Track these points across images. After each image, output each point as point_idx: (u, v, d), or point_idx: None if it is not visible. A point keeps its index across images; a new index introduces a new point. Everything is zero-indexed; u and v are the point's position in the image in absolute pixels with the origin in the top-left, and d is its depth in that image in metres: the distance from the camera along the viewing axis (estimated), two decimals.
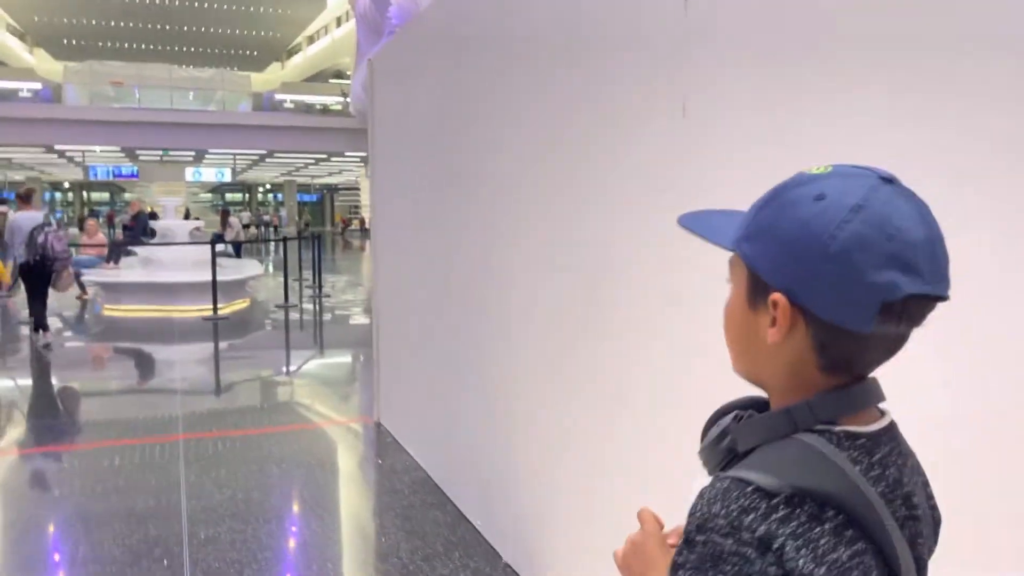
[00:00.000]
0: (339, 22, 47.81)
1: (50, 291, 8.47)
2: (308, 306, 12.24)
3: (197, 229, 13.52)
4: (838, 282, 0.70)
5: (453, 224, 3.81)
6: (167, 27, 44.92)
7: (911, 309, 0.71)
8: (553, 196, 2.82)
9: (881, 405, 0.80)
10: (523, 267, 3.09)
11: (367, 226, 45.78)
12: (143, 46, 47.27)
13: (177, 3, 41.74)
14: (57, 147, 36.24)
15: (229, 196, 62.43)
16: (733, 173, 1.83)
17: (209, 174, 48.27)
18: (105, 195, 57.75)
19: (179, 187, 50.18)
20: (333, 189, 60.86)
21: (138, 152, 40.34)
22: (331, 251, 24.89)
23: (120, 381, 7.40)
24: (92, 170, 45.44)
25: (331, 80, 47.89)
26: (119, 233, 18.59)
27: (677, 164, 2.08)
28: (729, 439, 0.81)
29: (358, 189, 52.82)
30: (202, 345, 9.16)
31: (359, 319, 11.65)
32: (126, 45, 47.07)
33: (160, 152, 40.58)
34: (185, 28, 45.38)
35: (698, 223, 0.83)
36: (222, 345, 9.23)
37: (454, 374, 3.91)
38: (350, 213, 54.08)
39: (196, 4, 42.08)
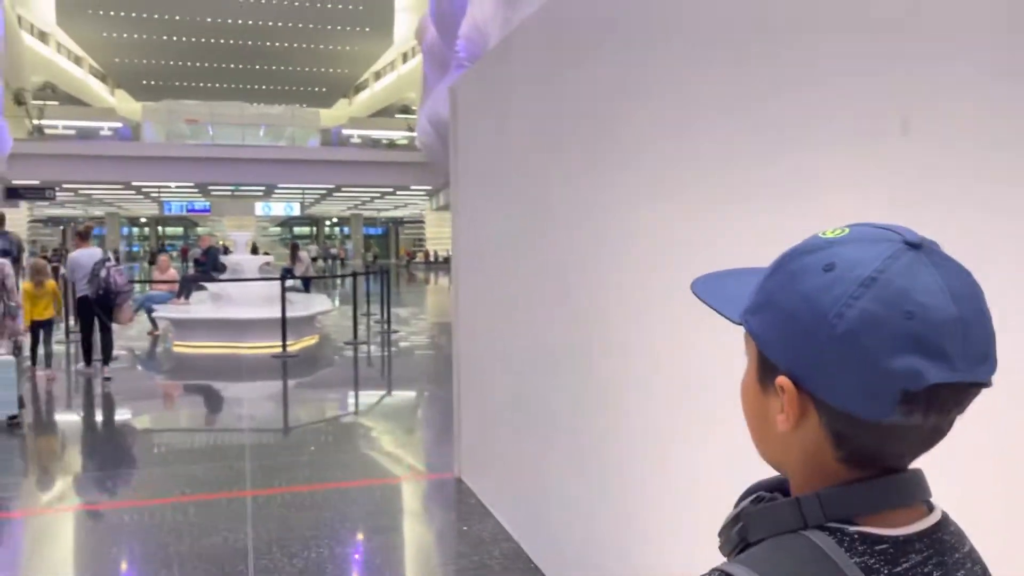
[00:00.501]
0: (405, 58, 48.63)
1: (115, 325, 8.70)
2: (377, 342, 11.93)
3: (267, 264, 13.41)
4: (847, 367, 0.61)
5: (549, 262, 3.36)
6: (240, 66, 46.27)
7: (943, 397, 0.61)
8: (673, 231, 2.36)
9: (932, 501, 0.69)
10: (637, 311, 2.62)
11: (431, 259, 46.54)
12: (217, 85, 48.78)
13: (249, 43, 42.95)
14: (134, 183, 37.39)
15: (297, 230, 63.71)
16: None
17: (278, 208, 49.24)
18: (179, 229, 59.51)
19: (249, 221, 51.36)
20: (398, 222, 61.58)
21: (210, 187, 41.40)
22: (396, 284, 24.74)
23: (186, 424, 7.13)
24: (167, 205, 46.81)
25: (397, 115, 48.58)
26: (192, 268, 18.73)
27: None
28: (740, 525, 0.71)
29: (423, 222, 53.29)
30: (271, 384, 8.88)
31: (429, 357, 11.28)
32: (201, 84, 48.65)
33: (231, 187, 41.58)
34: (256, 66, 46.66)
35: (710, 290, 0.75)
36: (291, 384, 8.94)
37: (551, 431, 3.43)
38: (414, 246, 54.53)
39: (267, 44, 43.24)
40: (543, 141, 3.45)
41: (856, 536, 0.64)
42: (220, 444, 6.00)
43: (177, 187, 41.35)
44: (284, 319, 10.24)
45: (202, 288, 13.32)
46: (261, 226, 58.49)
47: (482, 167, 4.40)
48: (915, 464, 0.68)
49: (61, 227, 55.61)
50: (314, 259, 24.52)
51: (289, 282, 11.98)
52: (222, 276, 13.13)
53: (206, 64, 45.86)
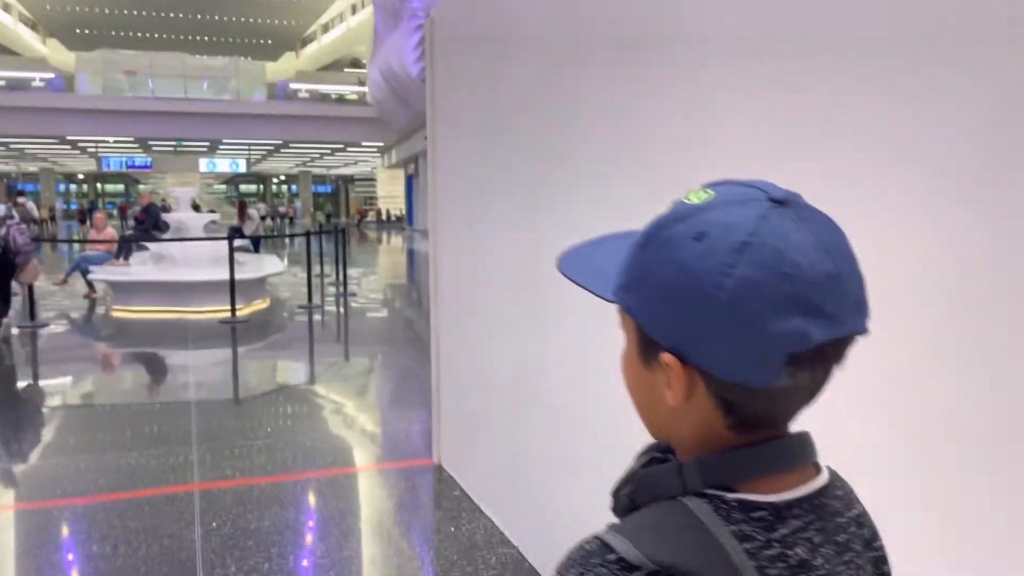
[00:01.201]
0: (354, 9, 46.99)
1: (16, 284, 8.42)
2: (332, 307, 11.23)
3: (213, 223, 12.51)
4: (732, 337, 0.59)
5: (564, 222, 2.76)
6: (180, 15, 44.22)
7: (827, 353, 0.61)
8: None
9: (820, 463, 0.69)
10: None
11: (383, 218, 45.51)
12: (156, 35, 46.54)
13: None
14: (70, 137, 35.53)
15: (243, 187, 61.86)
16: None
17: (223, 165, 47.56)
18: (120, 186, 57.15)
19: (193, 178, 49.56)
20: (348, 180, 60.21)
21: (151, 143, 39.63)
22: (348, 244, 23.88)
23: (122, 399, 6.40)
24: (105, 161, 44.76)
25: (347, 69, 47.00)
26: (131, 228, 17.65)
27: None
28: (630, 487, 0.69)
29: (374, 180, 52.05)
30: (219, 353, 8.16)
31: (388, 321, 10.64)
32: (139, 34, 46.35)
33: (174, 143, 39.82)
34: (199, 16, 44.64)
35: (578, 266, 0.71)
36: (241, 352, 8.23)
37: (557, 416, 2.87)
38: (366, 204, 53.33)
39: None
40: (557, 75, 2.83)
41: (734, 503, 0.62)
42: (162, 426, 5.30)
43: (116, 142, 39.47)
44: (232, 281, 9.47)
45: (143, 248, 12.40)
46: (206, 183, 56.59)
47: (471, 111, 3.74)
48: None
49: None
50: (263, 218, 23.44)
51: (237, 242, 11.14)
52: (164, 235, 12.23)
53: (144, 12, 43.58)
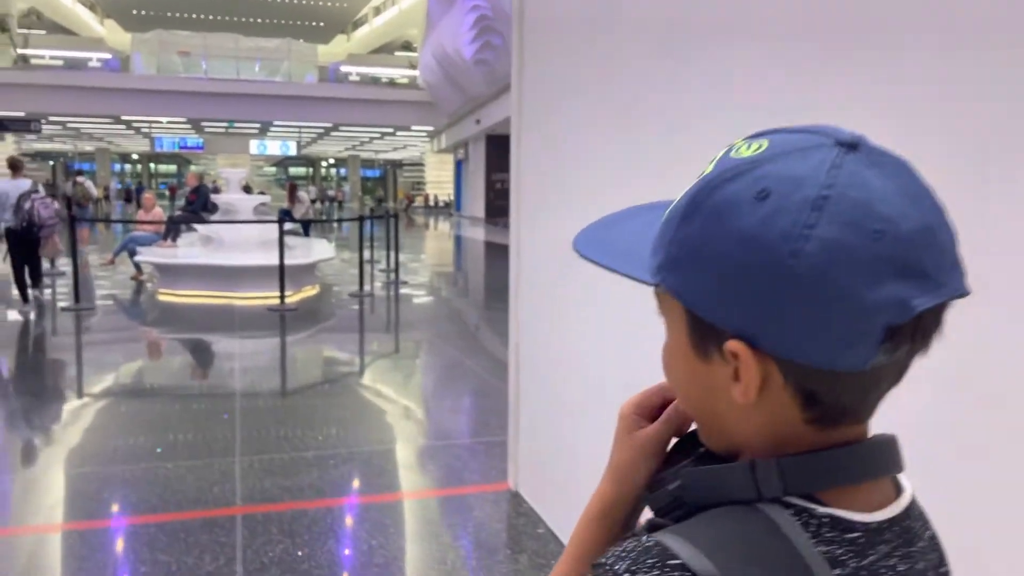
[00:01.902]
0: None
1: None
2: (383, 295, 10.73)
3: (263, 204, 12.08)
4: (819, 315, 0.49)
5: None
6: None
7: (927, 322, 0.51)
8: None
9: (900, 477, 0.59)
10: None
11: (431, 203, 45.17)
12: (211, 16, 46.65)
13: None
14: (124, 117, 35.74)
15: (292, 170, 62.12)
16: None
17: (274, 147, 47.61)
18: (172, 167, 57.79)
19: (244, 160, 49.81)
20: (397, 165, 60.04)
21: (203, 124, 39.75)
22: (397, 230, 23.49)
23: (161, 397, 5.94)
24: (158, 141, 45.15)
25: (397, 53, 46.64)
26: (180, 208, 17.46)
27: None
28: (677, 484, 0.58)
29: (423, 165, 51.72)
30: (266, 344, 7.69)
31: (445, 315, 10.06)
32: (194, 16, 46.52)
33: (225, 124, 39.88)
34: None
35: (603, 246, 0.61)
36: (290, 343, 7.76)
37: None
38: (413, 189, 53.07)
39: None
40: (668, 51, 2.19)
41: (826, 520, 0.53)
42: (203, 431, 4.79)
43: (169, 122, 39.69)
44: (282, 267, 9.01)
45: (193, 230, 12.05)
46: (256, 165, 56.93)
47: (576, 65, 3.10)
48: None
49: (51, 162, 53.98)
50: (312, 201, 23.13)
51: (287, 226, 10.69)
52: (213, 217, 11.86)
53: None
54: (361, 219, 10.83)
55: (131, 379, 6.38)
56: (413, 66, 39.61)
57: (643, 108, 2.49)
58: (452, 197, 42.57)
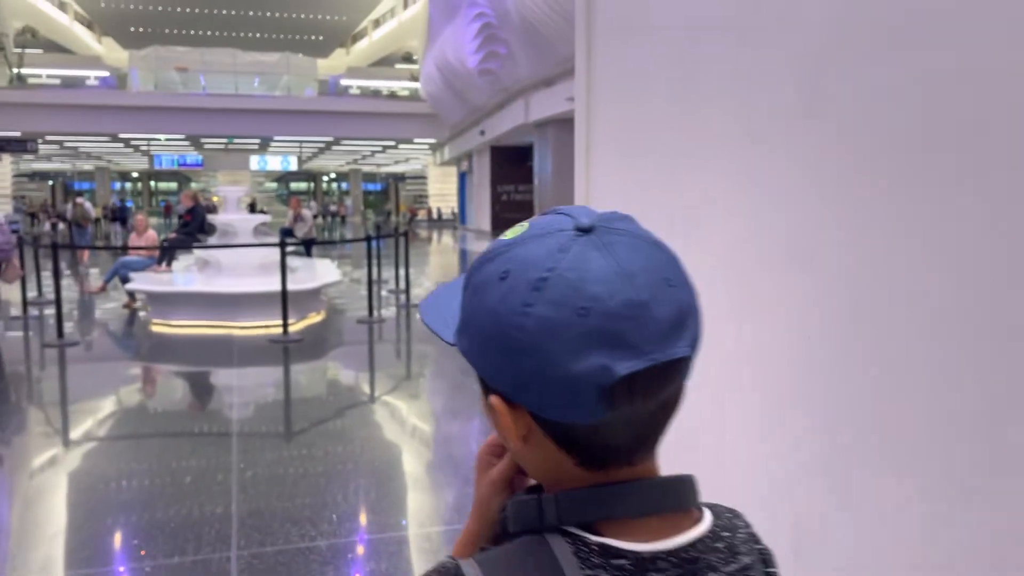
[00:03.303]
0: (406, 4, 46.12)
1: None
2: (393, 318, 9.96)
3: (263, 224, 11.34)
4: (542, 379, 0.58)
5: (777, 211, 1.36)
6: (232, 12, 43.81)
7: (643, 382, 0.57)
8: None
9: (709, 510, 0.65)
10: None
11: (434, 216, 44.46)
12: (208, 32, 46.20)
13: None
14: (122, 135, 35.13)
15: (294, 185, 61.54)
16: None
17: (275, 162, 47.00)
18: (173, 185, 57.19)
19: (244, 176, 49.19)
20: (399, 178, 59.45)
21: (203, 140, 39.13)
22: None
23: (149, 447, 5.15)
24: (157, 159, 44.53)
25: (398, 65, 46.10)
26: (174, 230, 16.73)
27: None
28: (504, 514, 0.66)
29: (425, 178, 51.08)
30: (268, 378, 6.92)
31: None
32: (191, 31, 46.08)
33: (225, 140, 39.25)
34: (250, 12, 44.17)
35: (435, 309, 0.70)
36: (295, 378, 6.99)
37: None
38: (416, 203, 52.42)
39: None
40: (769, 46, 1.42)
41: (596, 547, 0.60)
42: (191, 518, 4.01)
43: (167, 139, 39.09)
44: (285, 293, 8.26)
45: (188, 253, 11.31)
46: (257, 181, 56.32)
47: (670, 42, 2.32)
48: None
49: (50, 182, 53.38)
50: (314, 216, 22.38)
51: (289, 245, 9.94)
52: (210, 239, 11.12)
53: (197, 10, 43.26)
54: (369, 239, 10.03)
55: (108, 434, 5.48)
56: (414, 78, 39.04)
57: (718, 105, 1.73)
58: (456, 210, 41.90)
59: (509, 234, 0.62)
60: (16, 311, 9.64)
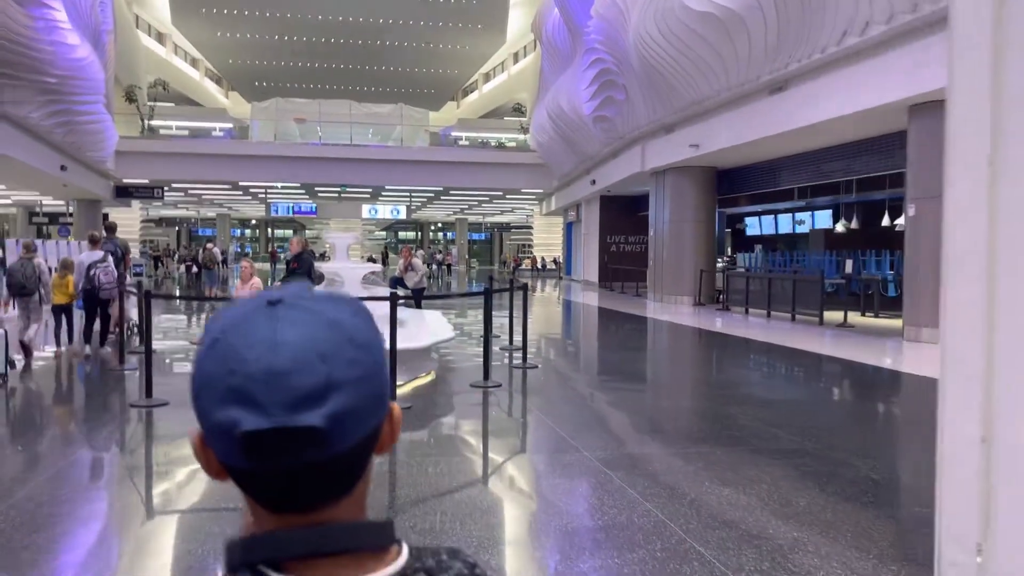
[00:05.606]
0: (516, 58, 46.23)
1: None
2: (514, 382, 8.89)
3: (373, 273, 10.58)
4: (203, 421, 0.65)
5: None
6: (349, 66, 45.07)
7: (268, 443, 0.61)
8: None
9: (406, 553, 0.69)
10: None
11: (538, 266, 43.64)
12: (326, 85, 47.60)
13: (360, 42, 41.40)
14: (242, 183, 36.13)
15: (402, 234, 62.28)
16: None
17: (385, 211, 47.50)
18: (288, 231, 58.91)
19: (355, 224, 49.97)
20: (503, 228, 59.26)
21: (317, 188, 39.85)
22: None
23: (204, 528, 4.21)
24: (274, 207, 45.74)
25: (507, 117, 46.15)
26: (281, 278, 16.34)
27: None
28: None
29: (530, 227, 50.54)
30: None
31: (603, 412, 8.00)
32: (311, 85, 47.58)
33: (338, 189, 39.86)
34: (366, 67, 45.30)
35: None
36: (402, 459, 5.97)
37: None
38: (520, 252, 51.90)
39: (378, 42, 41.65)
40: None
41: None
42: None
43: (283, 187, 40.03)
44: (394, 353, 7.33)
45: None
46: (367, 229, 57.23)
47: None
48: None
49: (176, 227, 55.85)
50: (427, 264, 21.80)
51: (400, 296, 9.07)
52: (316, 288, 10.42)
53: (317, 64, 44.67)
54: (488, 292, 9.05)
55: (179, 498, 4.68)
56: (524, 129, 38.75)
57: None
58: (559, 260, 40.91)
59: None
60: (114, 363, 9.13)
